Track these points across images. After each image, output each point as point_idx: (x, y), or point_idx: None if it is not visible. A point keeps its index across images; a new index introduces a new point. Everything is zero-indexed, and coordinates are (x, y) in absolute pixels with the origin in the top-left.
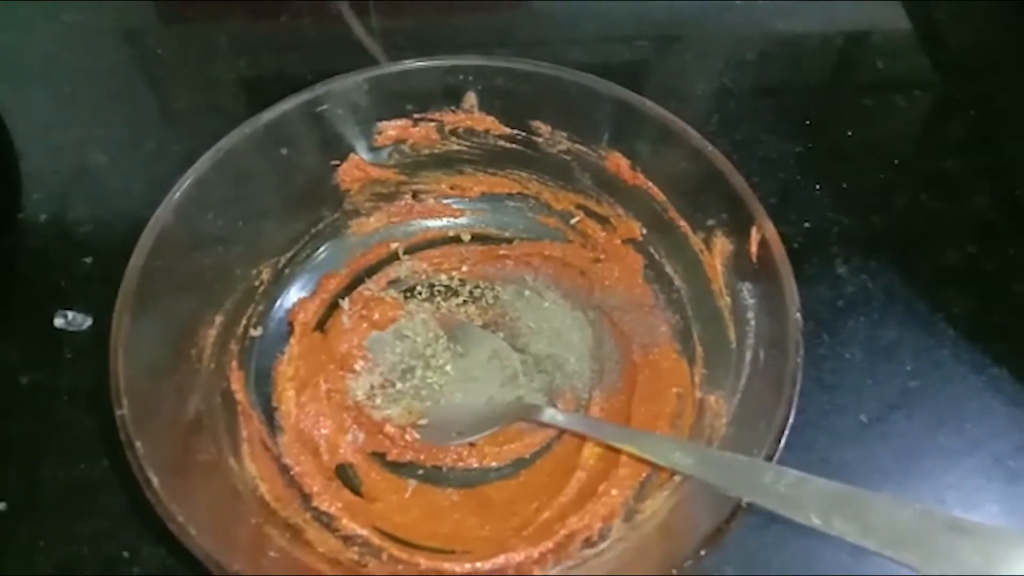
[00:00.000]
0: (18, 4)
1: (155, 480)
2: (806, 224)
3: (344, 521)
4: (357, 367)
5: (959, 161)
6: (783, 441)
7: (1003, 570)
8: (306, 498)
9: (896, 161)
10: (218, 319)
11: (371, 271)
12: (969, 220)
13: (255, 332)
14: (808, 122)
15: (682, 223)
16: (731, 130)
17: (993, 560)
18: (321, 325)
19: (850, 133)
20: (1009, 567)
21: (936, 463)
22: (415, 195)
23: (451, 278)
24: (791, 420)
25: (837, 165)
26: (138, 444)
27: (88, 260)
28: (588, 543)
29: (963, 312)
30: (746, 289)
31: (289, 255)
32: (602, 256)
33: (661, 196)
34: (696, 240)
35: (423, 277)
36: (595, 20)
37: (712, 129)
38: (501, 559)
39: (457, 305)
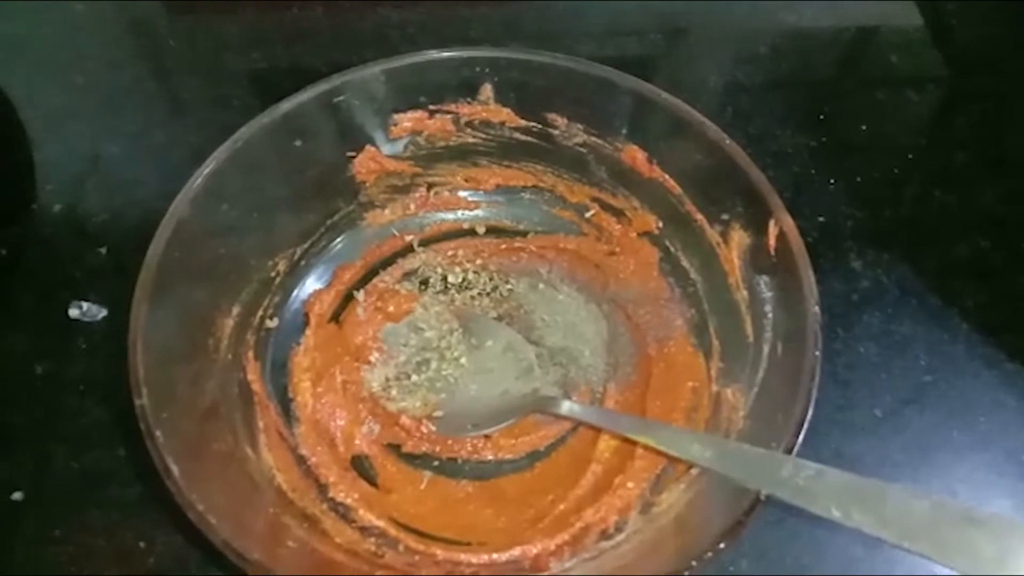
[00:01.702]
0: None
1: (174, 469)
2: (820, 218)
3: (360, 512)
4: (372, 359)
5: (971, 155)
6: (801, 435)
7: (1018, 561)
8: (322, 489)
9: (909, 155)
10: (235, 310)
11: (386, 263)
12: (981, 214)
13: (271, 323)
14: (821, 116)
15: (698, 216)
16: (745, 124)
17: (1008, 551)
18: (336, 316)
19: (863, 127)
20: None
21: (949, 457)
22: (430, 187)
23: (466, 270)
24: (809, 414)
25: (850, 159)
26: (158, 433)
27: (102, 251)
28: (604, 536)
29: (976, 306)
30: (763, 282)
31: (305, 246)
32: (617, 249)
33: (677, 189)
34: (712, 233)
35: (438, 269)
36: (605, 13)
37: (726, 123)
38: (517, 551)
39: (472, 297)
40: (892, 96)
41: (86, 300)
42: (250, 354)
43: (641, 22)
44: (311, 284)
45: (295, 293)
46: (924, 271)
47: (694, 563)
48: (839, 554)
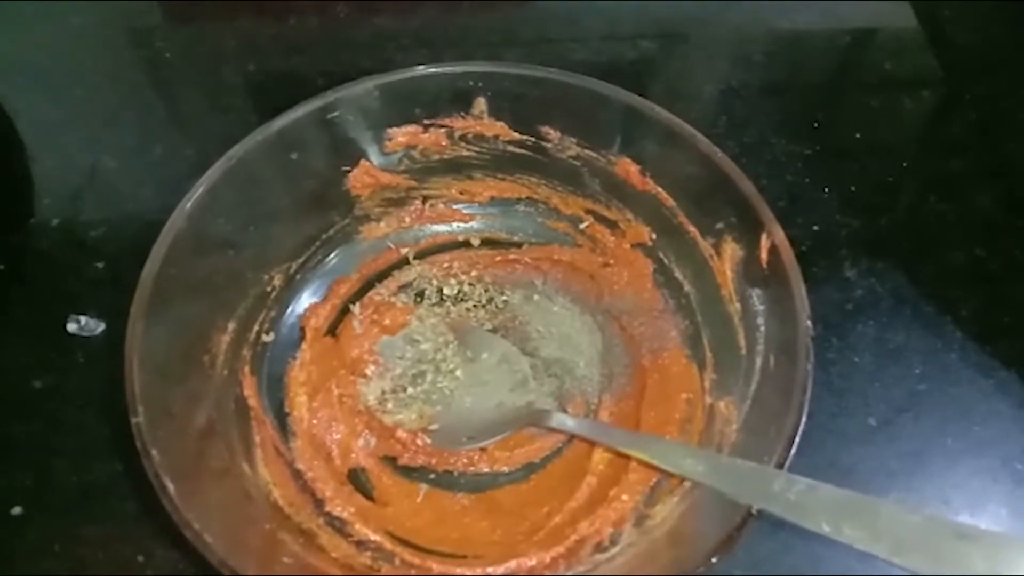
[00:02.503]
0: (26, 6)
1: (171, 487)
2: (814, 227)
3: (357, 526)
4: (368, 372)
5: (966, 162)
6: (794, 448)
7: None
8: (319, 503)
9: (904, 163)
10: (230, 325)
11: (382, 276)
12: (976, 222)
13: (267, 338)
14: (816, 124)
15: (691, 228)
16: (739, 132)
17: (1000, 567)
18: (332, 330)
19: (857, 135)
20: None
21: (943, 466)
22: (425, 200)
23: (461, 283)
24: (802, 427)
25: (845, 167)
26: (154, 452)
27: (100, 265)
28: (599, 548)
29: (971, 314)
30: (756, 294)
31: (300, 261)
32: (611, 261)
33: (670, 201)
34: (705, 245)
35: (433, 282)
36: (600, 20)
37: (720, 131)
38: (512, 564)
39: (467, 310)
40: (887, 103)
41: (84, 314)
42: (246, 369)
43: (637, 29)
44: (307, 298)
45: (291, 307)
46: (919, 279)
47: None
48: (834, 566)
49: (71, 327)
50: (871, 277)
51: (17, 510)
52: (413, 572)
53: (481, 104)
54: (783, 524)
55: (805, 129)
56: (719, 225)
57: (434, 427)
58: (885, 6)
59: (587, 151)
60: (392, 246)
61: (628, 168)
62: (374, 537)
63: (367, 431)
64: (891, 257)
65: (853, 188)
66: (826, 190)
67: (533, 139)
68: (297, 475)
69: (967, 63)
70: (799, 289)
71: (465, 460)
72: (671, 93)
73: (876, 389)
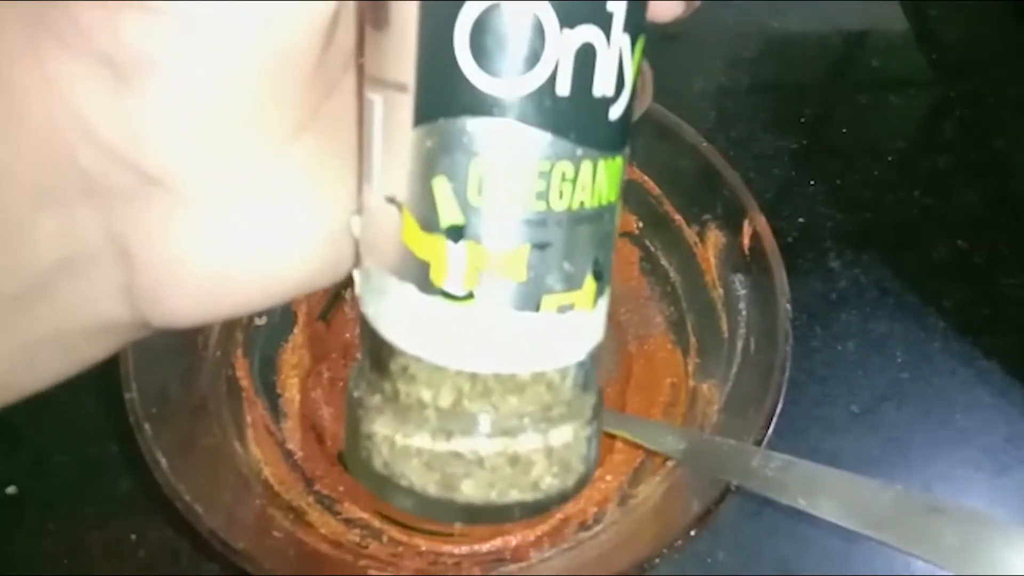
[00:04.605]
0: None
1: (163, 461)
2: (800, 219)
3: (345, 504)
4: (359, 356)
5: (952, 158)
6: (771, 428)
7: (980, 551)
8: (309, 482)
9: (889, 158)
10: None
11: None
12: (960, 216)
13: (259, 321)
14: (803, 120)
15: (677, 217)
16: (727, 127)
17: (970, 540)
18: (325, 315)
19: (844, 131)
20: (987, 548)
21: (925, 454)
22: None
23: None
24: (780, 408)
25: (831, 162)
26: (146, 426)
27: None
28: (583, 526)
29: (953, 306)
30: (738, 280)
31: None
32: None
33: (657, 190)
34: (690, 233)
35: None
36: None
37: (709, 127)
38: (498, 542)
39: None
40: (875, 100)
41: None
42: (239, 351)
43: None
44: None
45: None
46: (903, 271)
47: (665, 551)
48: (817, 547)
49: None
50: (855, 268)
51: (12, 489)
52: (400, 549)
53: None
54: (767, 505)
55: (793, 125)
56: (705, 214)
57: None
58: (875, 6)
59: None
60: None
61: None
62: (362, 515)
63: None
64: (876, 249)
65: (839, 182)
66: (812, 184)
67: None
68: (288, 455)
69: (954, 62)
70: (779, 274)
71: None
72: (661, 90)
73: (859, 377)
